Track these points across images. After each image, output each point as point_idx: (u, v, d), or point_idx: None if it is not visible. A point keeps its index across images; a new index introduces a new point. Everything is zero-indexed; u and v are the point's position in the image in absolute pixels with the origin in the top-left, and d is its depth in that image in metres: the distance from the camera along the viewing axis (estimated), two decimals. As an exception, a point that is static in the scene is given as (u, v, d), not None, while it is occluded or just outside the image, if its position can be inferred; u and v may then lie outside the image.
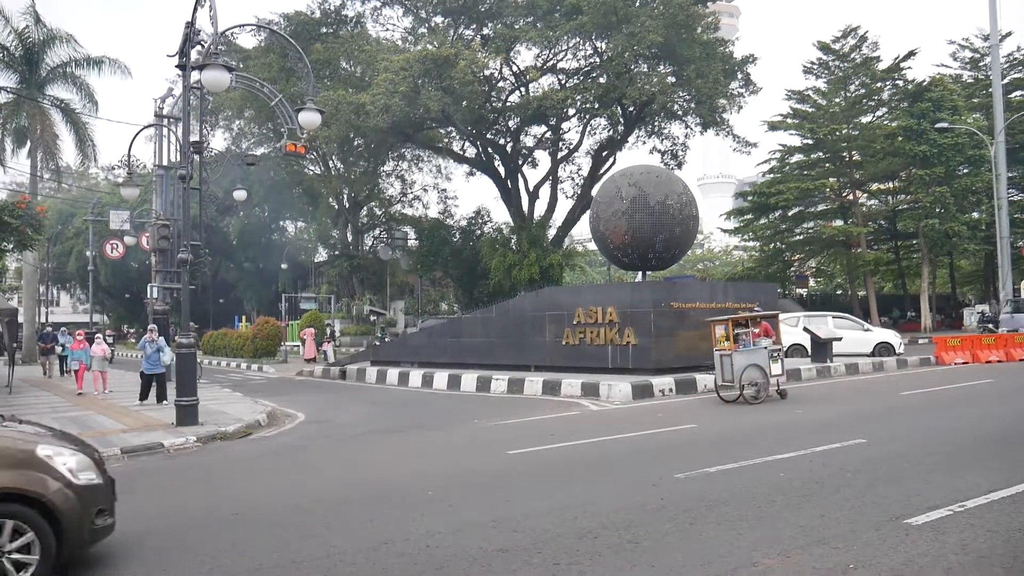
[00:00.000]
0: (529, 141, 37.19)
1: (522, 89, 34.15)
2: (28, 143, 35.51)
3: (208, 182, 28.04)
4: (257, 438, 13.14)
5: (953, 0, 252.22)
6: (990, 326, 29.78)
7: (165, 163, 25.44)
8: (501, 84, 33.86)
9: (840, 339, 23.09)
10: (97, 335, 21.46)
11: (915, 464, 8.42)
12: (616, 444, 10.74)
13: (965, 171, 36.97)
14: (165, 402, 16.78)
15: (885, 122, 40.23)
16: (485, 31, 34.29)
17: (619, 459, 9.58)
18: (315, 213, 48.93)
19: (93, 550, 6.00)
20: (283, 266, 51.71)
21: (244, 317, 54.57)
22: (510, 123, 35.20)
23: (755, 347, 15.11)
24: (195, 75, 14.69)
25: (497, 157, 36.79)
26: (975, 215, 37.78)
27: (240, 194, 29.08)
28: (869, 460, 8.67)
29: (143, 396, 17.07)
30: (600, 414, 14.48)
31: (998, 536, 5.75)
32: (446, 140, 38.20)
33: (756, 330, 15.56)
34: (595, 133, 36.35)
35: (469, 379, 19.99)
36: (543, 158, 38.16)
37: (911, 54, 38.93)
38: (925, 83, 36.83)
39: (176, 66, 14.92)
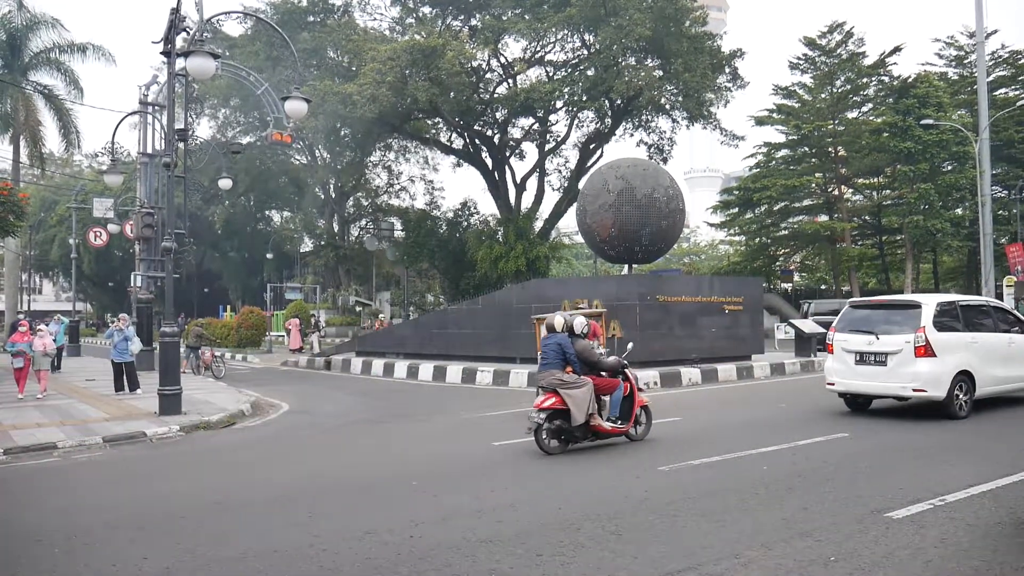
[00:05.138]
0: (516, 133, 37.11)
1: (510, 81, 34.05)
2: (11, 129, 35.16)
3: (193, 170, 27.89)
4: (241, 428, 13.09)
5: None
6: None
7: (149, 151, 25.29)
8: (489, 75, 33.75)
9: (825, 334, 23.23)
10: (40, 326, 17.92)
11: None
12: (601, 436, 10.75)
13: (949, 168, 37.15)
14: (138, 391, 16.73)
15: (870, 118, 40.37)
16: (473, 22, 34.17)
17: (603, 451, 9.60)
18: (301, 203, 48.80)
19: (75, 538, 5.95)
20: (268, 256, 51.51)
21: (229, 307, 54.32)
22: (497, 115, 35.10)
23: None
24: (180, 62, 14.56)
25: (484, 148, 36.71)
26: (959, 212, 38.00)
27: (225, 183, 28.88)
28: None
29: (118, 386, 16.93)
30: (585, 406, 14.50)
31: (977, 530, 5.81)
32: (433, 131, 38.08)
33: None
34: (582, 126, 36.34)
35: (455, 370, 19.99)
36: (530, 150, 38.18)
37: (896, 50, 39.04)
38: (910, 79, 36.94)
39: (161, 53, 14.77)
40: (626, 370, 10.14)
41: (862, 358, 11.71)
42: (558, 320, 10.11)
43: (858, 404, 12.58)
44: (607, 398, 9.91)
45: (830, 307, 28.92)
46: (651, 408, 10.40)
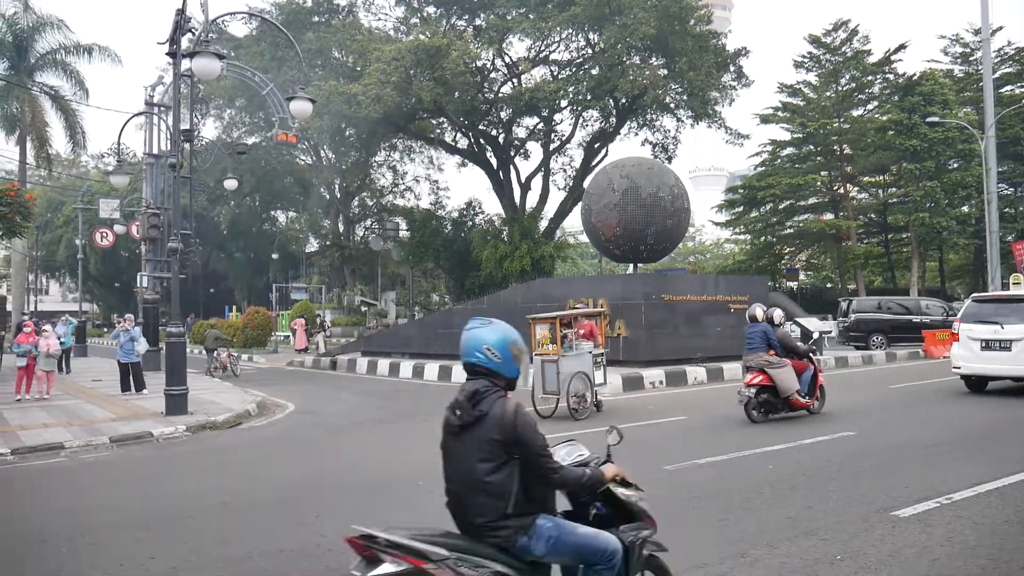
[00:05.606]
0: (521, 132, 37.06)
1: (514, 80, 34.03)
2: (17, 130, 35.26)
3: (199, 171, 27.97)
4: (247, 428, 13.11)
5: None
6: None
7: (155, 151, 25.34)
8: (493, 75, 33.74)
9: (830, 332, 23.18)
10: (45, 327, 17.19)
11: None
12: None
13: (955, 165, 37.00)
14: (145, 391, 16.77)
15: (876, 116, 40.22)
16: (477, 21, 34.14)
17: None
18: (306, 203, 48.83)
19: (82, 538, 5.95)
20: (274, 256, 51.57)
21: (235, 307, 54.45)
22: (502, 114, 35.07)
23: (578, 351, 13.00)
24: (186, 63, 14.60)
25: (489, 148, 36.68)
26: (965, 209, 37.85)
27: (231, 183, 28.93)
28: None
29: (124, 386, 16.97)
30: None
31: (984, 528, 5.79)
32: (438, 131, 38.05)
33: (582, 331, 13.50)
34: (587, 125, 36.28)
35: (460, 370, 19.89)
36: (535, 149, 38.09)
37: (901, 47, 38.91)
38: (916, 77, 36.81)
39: (166, 54, 14.79)
40: (811, 354, 11.94)
41: (987, 345, 13.32)
42: (759, 312, 11.78)
43: (977, 386, 14.13)
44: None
45: (871, 304, 28.05)
46: (825, 388, 12.09)
